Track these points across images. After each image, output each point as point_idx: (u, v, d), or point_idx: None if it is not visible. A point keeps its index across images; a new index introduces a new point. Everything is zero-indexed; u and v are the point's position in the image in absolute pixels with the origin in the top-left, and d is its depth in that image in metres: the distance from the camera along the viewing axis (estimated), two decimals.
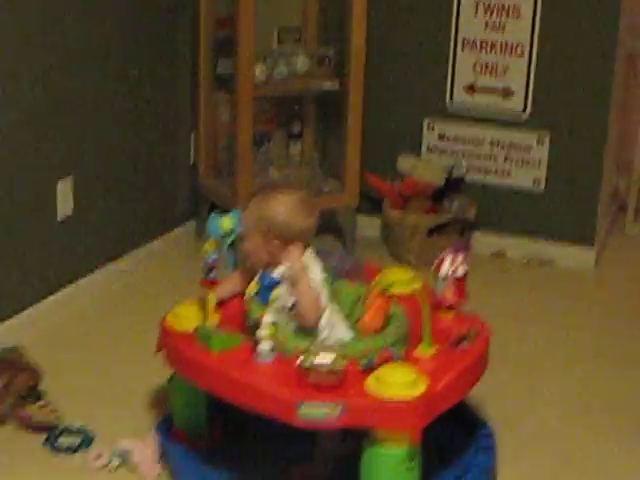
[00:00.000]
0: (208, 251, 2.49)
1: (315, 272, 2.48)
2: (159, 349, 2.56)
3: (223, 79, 3.99)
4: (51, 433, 2.71)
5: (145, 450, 2.62)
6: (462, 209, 4.12)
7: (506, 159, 4.18)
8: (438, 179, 4.13)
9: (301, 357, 2.25)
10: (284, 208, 2.47)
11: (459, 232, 4.07)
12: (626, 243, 4.57)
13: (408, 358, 2.36)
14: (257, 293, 2.41)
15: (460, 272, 2.47)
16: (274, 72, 3.91)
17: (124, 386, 2.99)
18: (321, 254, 2.62)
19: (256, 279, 2.46)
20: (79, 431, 2.73)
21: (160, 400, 2.88)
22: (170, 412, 2.66)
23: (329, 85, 4.01)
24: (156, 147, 3.96)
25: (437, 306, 2.54)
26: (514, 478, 2.62)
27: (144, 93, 3.81)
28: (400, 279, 2.46)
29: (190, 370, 2.40)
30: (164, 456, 2.60)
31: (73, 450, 2.66)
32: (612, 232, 4.59)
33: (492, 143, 4.19)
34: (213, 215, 2.63)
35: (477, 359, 2.40)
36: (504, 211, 4.21)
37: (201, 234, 3.95)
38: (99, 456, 2.62)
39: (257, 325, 2.35)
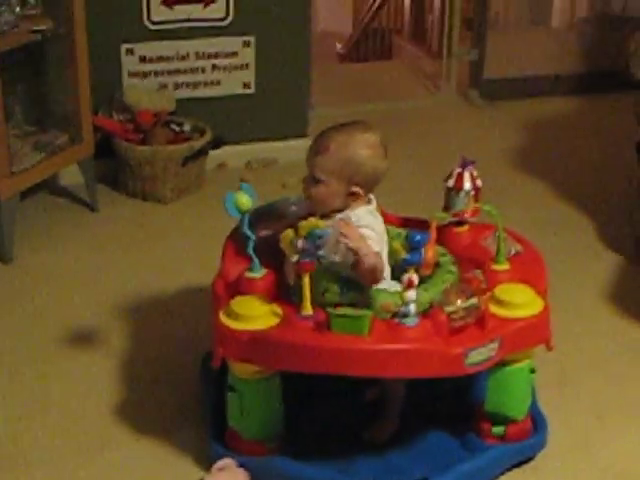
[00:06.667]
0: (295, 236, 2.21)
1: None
2: (219, 361, 2.27)
3: None
4: None
5: None
6: (198, 130, 3.98)
7: (214, 68, 4.10)
8: (169, 104, 3.92)
9: (446, 307, 2.21)
10: (372, 152, 2.30)
11: (207, 152, 3.95)
12: None
13: (489, 276, 2.41)
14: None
15: (479, 183, 2.55)
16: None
17: None
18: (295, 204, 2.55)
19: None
20: None
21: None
22: (236, 428, 2.36)
23: (49, 27, 3.50)
24: None
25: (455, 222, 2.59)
26: None
27: None
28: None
29: (330, 362, 2.16)
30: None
31: None
32: None
33: (198, 55, 4.06)
34: (228, 194, 2.33)
35: (539, 258, 2.54)
36: (220, 121, 4.13)
37: None
38: None
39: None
